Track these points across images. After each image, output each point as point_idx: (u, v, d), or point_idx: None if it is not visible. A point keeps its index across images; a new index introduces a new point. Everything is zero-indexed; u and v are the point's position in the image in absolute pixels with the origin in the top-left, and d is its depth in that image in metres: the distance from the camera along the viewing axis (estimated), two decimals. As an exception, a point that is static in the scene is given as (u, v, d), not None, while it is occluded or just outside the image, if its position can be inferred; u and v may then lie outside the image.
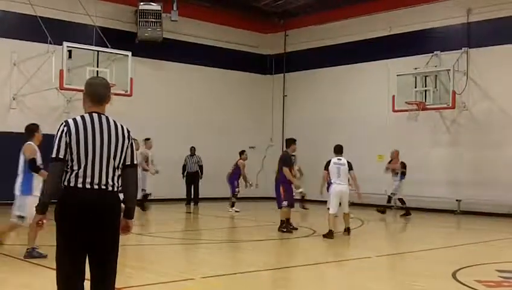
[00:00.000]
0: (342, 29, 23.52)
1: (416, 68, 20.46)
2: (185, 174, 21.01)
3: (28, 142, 9.48)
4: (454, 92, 19.45)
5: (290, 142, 14.15)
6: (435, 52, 20.58)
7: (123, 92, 18.15)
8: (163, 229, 14.80)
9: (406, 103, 20.18)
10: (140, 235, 12.39)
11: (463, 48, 20.06)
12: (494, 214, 18.74)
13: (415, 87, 20.44)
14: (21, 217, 9.34)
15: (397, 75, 20.53)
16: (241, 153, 19.04)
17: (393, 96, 20.43)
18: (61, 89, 17.79)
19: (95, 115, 4.68)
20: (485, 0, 19.66)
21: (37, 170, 9.22)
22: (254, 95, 25.82)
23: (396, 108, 20.46)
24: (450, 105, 19.50)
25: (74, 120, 4.62)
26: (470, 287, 7.79)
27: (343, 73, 23.64)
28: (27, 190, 9.38)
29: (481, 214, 18.96)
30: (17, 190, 9.51)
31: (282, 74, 26.12)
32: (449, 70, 19.57)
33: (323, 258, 10.69)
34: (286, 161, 13.71)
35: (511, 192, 18.41)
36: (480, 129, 19.70)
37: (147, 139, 18.24)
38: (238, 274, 8.65)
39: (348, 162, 13.22)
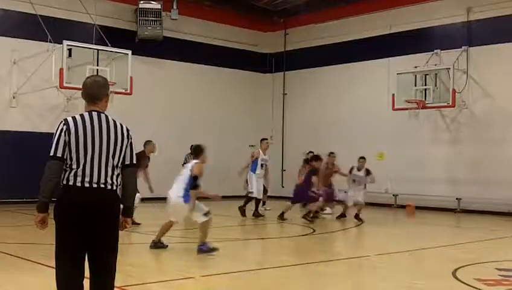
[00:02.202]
0: (342, 28, 23.50)
1: (416, 67, 20.42)
2: (185, 172, 20.99)
3: (197, 162, 10.29)
4: (454, 91, 19.44)
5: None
6: (435, 51, 20.55)
7: (123, 91, 18.14)
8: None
9: (406, 101, 20.16)
10: (139, 234, 12.39)
11: (463, 47, 20.05)
12: (494, 213, 18.73)
13: (415, 86, 20.42)
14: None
15: (397, 74, 20.52)
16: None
17: (393, 95, 20.42)
18: (61, 88, 17.75)
19: (94, 114, 4.68)
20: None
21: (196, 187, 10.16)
22: (254, 94, 25.81)
23: (396, 106, 20.44)
24: (450, 103, 19.48)
25: (73, 118, 4.63)
26: (469, 285, 7.78)
27: (343, 72, 23.61)
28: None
29: (481, 212, 18.95)
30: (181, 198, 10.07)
31: (282, 73, 26.10)
32: (449, 68, 19.55)
33: (323, 257, 10.70)
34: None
35: (511, 191, 18.44)
36: (481, 128, 19.68)
37: (264, 139, 17.26)
38: (238, 273, 8.65)
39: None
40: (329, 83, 24.07)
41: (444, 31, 20.80)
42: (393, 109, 20.59)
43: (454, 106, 19.60)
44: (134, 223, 15.41)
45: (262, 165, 16.66)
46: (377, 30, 22.41)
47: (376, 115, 21.95)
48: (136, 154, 13.97)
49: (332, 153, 17.61)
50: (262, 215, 16.67)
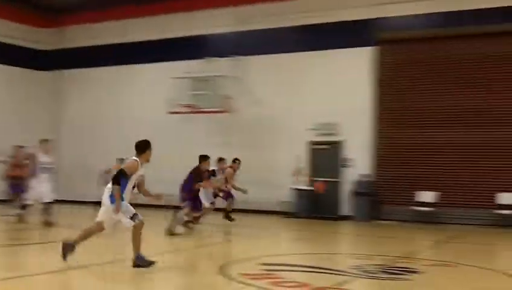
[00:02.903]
0: (120, 29, 23.57)
1: (190, 72, 21.03)
2: None
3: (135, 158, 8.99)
4: (227, 97, 20.34)
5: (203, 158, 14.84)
6: (210, 58, 21.26)
7: None
8: None
9: (181, 105, 20.72)
10: None
11: (236, 55, 20.99)
12: (268, 212, 19.89)
13: (190, 91, 21.06)
14: None
15: (172, 78, 21.05)
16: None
17: (169, 99, 20.85)
18: None
19: None
20: (257, 11, 20.88)
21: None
22: (27, 92, 24.60)
23: (171, 110, 20.92)
24: (222, 109, 20.41)
25: None
26: (235, 280, 8.16)
27: (121, 73, 23.68)
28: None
29: (254, 212, 19.85)
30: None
31: (58, 71, 25.33)
32: (222, 75, 20.49)
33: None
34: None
35: (279, 190, 19.78)
36: (250, 132, 20.88)
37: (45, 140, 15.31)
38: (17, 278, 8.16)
39: None
40: (107, 83, 23.92)
41: (218, 39, 21.68)
42: (169, 112, 21.02)
43: (226, 111, 20.49)
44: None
45: (43, 168, 14.99)
46: (154, 34, 22.75)
47: (153, 118, 22.16)
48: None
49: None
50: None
